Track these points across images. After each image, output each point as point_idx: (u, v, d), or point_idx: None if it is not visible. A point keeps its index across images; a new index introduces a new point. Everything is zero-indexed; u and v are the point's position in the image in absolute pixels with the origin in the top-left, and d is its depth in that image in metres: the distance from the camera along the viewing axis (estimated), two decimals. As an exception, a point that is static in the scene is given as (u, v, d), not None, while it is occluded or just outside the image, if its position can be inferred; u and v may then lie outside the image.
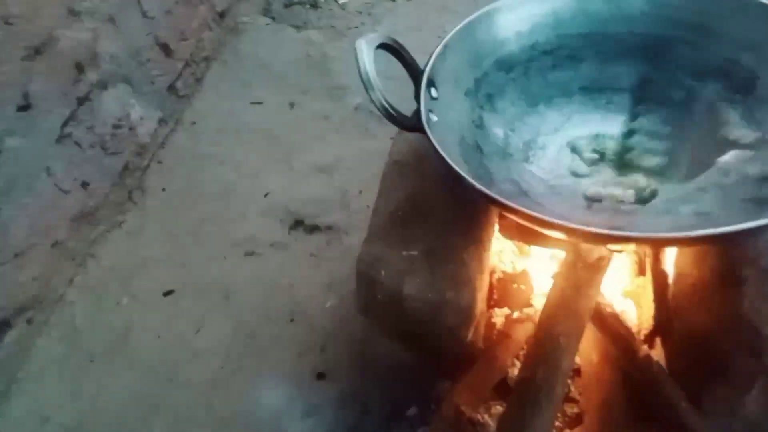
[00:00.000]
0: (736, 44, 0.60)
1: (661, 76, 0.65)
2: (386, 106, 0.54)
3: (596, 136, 0.64)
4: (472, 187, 0.48)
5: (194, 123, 1.13)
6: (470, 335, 0.55)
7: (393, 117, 0.55)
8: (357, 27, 1.39)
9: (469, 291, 0.53)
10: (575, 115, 0.65)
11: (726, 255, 0.51)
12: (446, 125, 0.58)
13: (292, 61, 1.25)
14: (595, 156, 0.62)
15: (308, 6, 1.54)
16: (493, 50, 0.65)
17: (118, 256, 0.89)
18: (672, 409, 0.50)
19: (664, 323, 0.55)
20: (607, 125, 0.64)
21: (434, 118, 0.56)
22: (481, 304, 0.56)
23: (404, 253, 0.55)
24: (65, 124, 0.84)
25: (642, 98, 0.65)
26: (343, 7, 1.52)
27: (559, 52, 0.67)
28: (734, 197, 0.52)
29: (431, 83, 0.58)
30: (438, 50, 0.60)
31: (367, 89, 0.53)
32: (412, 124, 0.55)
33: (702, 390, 0.50)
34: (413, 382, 0.60)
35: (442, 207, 0.58)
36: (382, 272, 0.55)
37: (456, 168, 0.49)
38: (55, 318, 0.81)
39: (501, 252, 0.68)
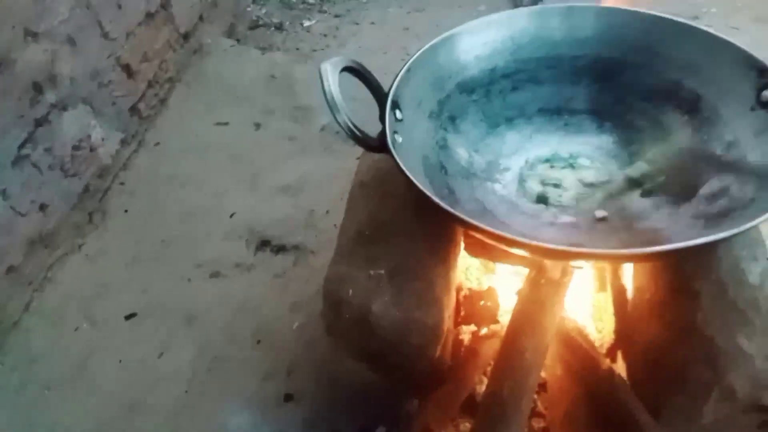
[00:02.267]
0: (681, 67, 0.64)
1: (612, 96, 0.68)
2: (352, 127, 0.55)
3: (555, 156, 0.66)
4: (438, 206, 0.49)
5: (158, 144, 1.11)
6: (438, 353, 0.55)
7: (359, 138, 0.56)
8: (322, 49, 1.41)
9: (436, 309, 0.54)
10: (535, 135, 0.68)
11: (680, 269, 0.53)
12: (411, 146, 0.59)
13: (257, 82, 1.26)
14: (555, 175, 0.64)
15: (273, 28, 1.55)
16: (454, 73, 0.67)
17: (77, 281, 0.86)
18: (632, 421, 0.52)
19: (624, 337, 0.57)
20: (565, 145, 0.66)
21: (399, 139, 0.57)
22: (448, 322, 0.57)
23: (371, 272, 0.56)
24: (22, 145, 0.82)
25: (598, 118, 0.68)
26: (307, 29, 1.53)
27: (517, 75, 0.69)
28: (685, 213, 0.55)
29: (396, 105, 0.59)
30: (402, 73, 0.61)
31: (332, 111, 0.54)
32: (377, 145, 0.56)
33: (661, 401, 0.52)
34: (381, 401, 0.60)
35: (407, 226, 0.59)
36: (350, 292, 0.55)
37: (422, 188, 0.50)
38: (10, 345, 0.78)
39: (467, 269, 0.69)
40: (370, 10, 1.54)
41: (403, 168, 0.52)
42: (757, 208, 0.47)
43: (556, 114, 0.69)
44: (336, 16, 1.57)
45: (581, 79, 0.69)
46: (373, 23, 1.50)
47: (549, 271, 0.57)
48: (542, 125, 0.68)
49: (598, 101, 0.69)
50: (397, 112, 0.59)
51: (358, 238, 0.60)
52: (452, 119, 0.66)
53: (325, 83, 0.55)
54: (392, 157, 0.53)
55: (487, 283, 0.69)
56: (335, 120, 0.54)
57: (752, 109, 0.56)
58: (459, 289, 0.67)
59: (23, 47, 0.83)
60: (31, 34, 0.85)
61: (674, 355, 0.51)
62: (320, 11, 1.59)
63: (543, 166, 0.65)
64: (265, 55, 1.36)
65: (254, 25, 1.56)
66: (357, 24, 1.51)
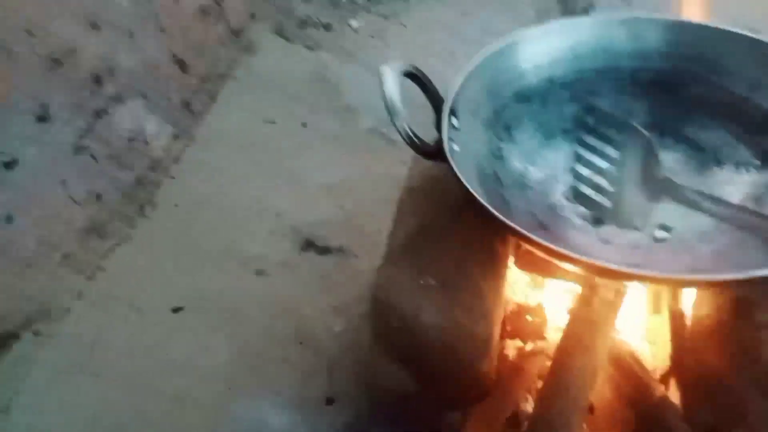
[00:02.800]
0: (751, 84, 0.61)
1: (674, 112, 0.66)
2: (410, 134, 0.55)
3: (614, 171, 0.64)
4: (494, 217, 0.49)
5: (207, 139, 1.13)
6: (486, 367, 0.54)
7: (416, 145, 0.55)
8: (368, 49, 1.41)
9: (486, 323, 0.53)
10: (591, 148, 0.66)
11: (745, 296, 0.51)
12: (466, 155, 0.58)
13: (305, 81, 1.27)
14: (613, 191, 0.62)
15: (321, 28, 1.56)
16: (512, 81, 0.66)
17: (127, 271, 0.88)
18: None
19: (679, 363, 0.55)
20: (624, 160, 0.65)
21: (456, 147, 0.56)
22: (497, 336, 0.56)
23: (421, 281, 0.55)
24: (82, 136, 0.85)
25: (658, 134, 0.66)
26: (355, 30, 1.54)
27: (576, 86, 0.68)
28: (751, 238, 0.52)
29: (453, 113, 0.58)
30: (459, 80, 0.61)
31: (391, 116, 0.54)
32: (434, 152, 0.55)
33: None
34: (422, 412, 0.60)
35: (458, 236, 0.58)
36: (398, 298, 0.55)
37: (480, 199, 0.49)
38: (62, 331, 0.81)
39: (515, 283, 0.68)
40: (416, 12, 1.53)
41: (461, 178, 0.51)
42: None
43: (616, 128, 0.67)
44: (383, 17, 1.56)
45: (642, 93, 0.68)
46: (419, 25, 1.50)
47: (602, 291, 0.56)
48: (600, 138, 0.66)
49: (659, 116, 0.67)
50: (454, 120, 0.58)
51: (407, 244, 0.59)
52: (508, 128, 0.65)
53: (385, 86, 0.54)
54: (449, 166, 0.53)
55: (535, 298, 0.67)
56: (394, 125, 0.54)
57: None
58: (506, 303, 0.66)
59: (86, 38, 0.86)
60: (94, 25, 0.87)
61: (735, 387, 0.49)
62: (367, 11, 1.59)
63: (599, 180, 0.64)
64: (312, 54, 1.36)
65: (303, 24, 1.57)
66: (404, 26, 1.50)
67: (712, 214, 0.55)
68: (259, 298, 0.82)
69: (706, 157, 0.63)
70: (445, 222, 0.60)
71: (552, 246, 0.46)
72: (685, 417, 0.52)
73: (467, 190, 0.50)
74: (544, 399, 0.52)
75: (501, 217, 0.48)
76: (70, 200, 0.83)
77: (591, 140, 0.63)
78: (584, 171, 0.62)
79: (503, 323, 0.65)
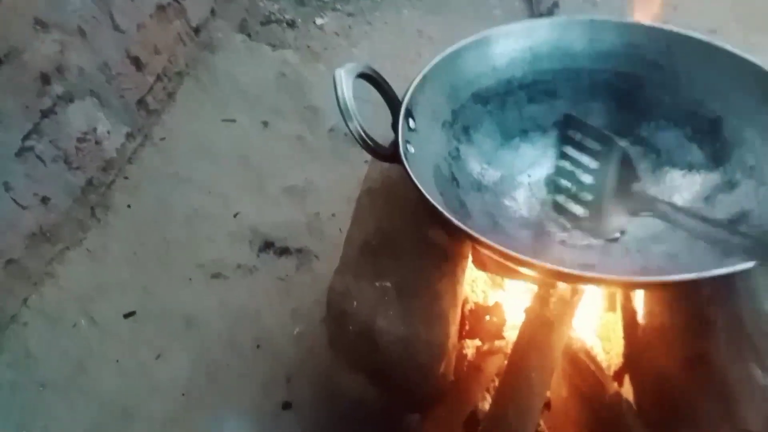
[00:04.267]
0: (703, 87, 0.62)
1: (630, 113, 0.67)
2: (364, 136, 0.54)
3: (571, 172, 0.64)
4: (448, 220, 0.48)
5: (163, 139, 1.10)
6: (442, 370, 0.54)
7: (370, 147, 0.54)
8: (334, 48, 1.39)
9: (442, 326, 0.52)
10: (550, 150, 0.66)
11: (695, 296, 0.51)
12: (422, 156, 0.58)
13: (267, 80, 1.24)
14: (569, 192, 0.63)
15: (285, 25, 1.53)
16: (470, 82, 0.66)
17: (77, 276, 0.85)
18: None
19: (633, 361, 0.55)
20: (581, 161, 0.65)
21: (411, 149, 0.56)
22: (453, 338, 0.56)
23: (377, 284, 0.55)
24: (27, 137, 0.81)
25: (615, 135, 0.67)
26: (320, 27, 1.52)
27: (535, 87, 0.68)
28: (702, 240, 0.53)
29: (409, 114, 0.57)
30: (416, 81, 0.60)
31: (345, 119, 0.53)
32: (389, 154, 0.54)
33: (669, 431, 0.50)
34: (381, 415, 0.59)
35: (415, 238, 0.58)
36: (354, 304, 0.54)
37: (432, 201, 0.49)
38: (7, 341, 0.77)
39: (473, 282, 0.68)
40: (383, 10, 1.52)
41: (415, 181, 0.50)
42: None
43: (573, 129, 0.68)
44: (349, 14, 1.55)
45: (599, 94, 0.68)
46: (386, 24, 1.49)
47: (558, 290, 0.56)
48: (557, 139, 0.67)
49: (616, 117, 0.67)
50: (411, 122, 0.58)
51: (364, 248, 0.58)
52: (466, 130, 0.65)
53: (339, 90, 0.53)
54: (404, 168, 0.52)
55: (494, 297, 0.67)
56: (347, 128, 0.53)
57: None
58: (465, 303, 0.66)
59: (33, 37, 0.82)
60: (41, 24, 0.84)
61: (685, 386, 0.49)
62: (333, 9, 1.57)
63: (556, 181, 0.64)
64: (275, 53, 1.34)
65: (266, 21, 1.55)
66: (370, 24, 1.49)
67: (667, 219, 0.56)
68: (216, 302, 0.80)
69: (660, 159, 0.64)
70: (403, 224, 0.59)
71: (504, 249, 0.46)
72: (638, 413, 0.52)
73: (421, 192, 0.49)
74: (500, 398, 0.52)
75: (455, 221, 0.48)
76: (15, 204, 0.79)
77: (570, 150, 0.64)
78: (563, 181, 0.62)
79: (462, 323, 0.65)
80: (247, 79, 1.25)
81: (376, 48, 1.39)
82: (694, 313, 0.51)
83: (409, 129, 0.57)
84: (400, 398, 0.57)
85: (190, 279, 0.84)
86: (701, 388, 0.48)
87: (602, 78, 0.68)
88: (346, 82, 0.54)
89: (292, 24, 1.52)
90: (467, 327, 0.65)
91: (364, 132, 0.53)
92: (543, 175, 0.64)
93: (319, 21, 1.53)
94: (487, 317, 0.65)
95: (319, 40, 1.44)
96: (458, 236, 0.58)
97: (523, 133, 0.67)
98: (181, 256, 0.87)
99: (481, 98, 0.66)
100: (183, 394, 0.71)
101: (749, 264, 0.43)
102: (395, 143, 0.54)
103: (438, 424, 0.58)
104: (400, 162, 0.52)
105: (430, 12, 1.51)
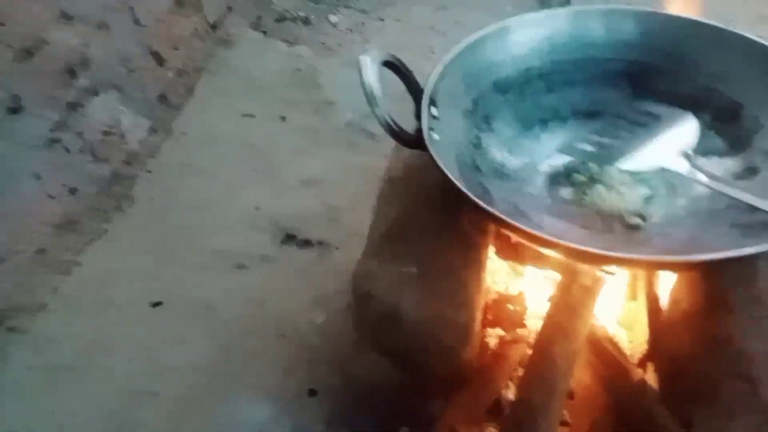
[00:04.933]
0: (720, 74, 0.63)
1: (647, 103, 0.67)
2: (390, 122, 0.55)
3: (590, 160, 0.65)
4: (475, 204, 0.49)
5: (184, 133, 1.12)
6: (467, 355, 0.55)
7: (396, 134, 0.55)
8: (347, 44, 1.40)
9: (467, 310, 0.53)
10: (569, 138, 0.67)
11: (717, 280, 0.52)
12: (445, 144, 0.59)
13: (283, 75, 1.26)
14: (589, 179, 0.63)
15: (299, 22, 1.55)
16: (490, 72, 0.67)
17: (103, 266, 0.86)
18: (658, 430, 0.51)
19: (656, 347, 0.56)
20: (600, 149, 0.65)
21: (435, 136, 0.57)
22: (478, 323, 0.56)
23: (401, 269, 0.55)
24: (54, 128, 0.83)
25: (633, 124, 0.67)
26: (333, 24, 1.53)
27: (553, 77, 0.69)
28: (723, 222, 0.54)
29: (432, 102, 0.58)
30: (438, 70, 0.61)
31: (371, 105, 0.54)
32: (414, 141, 0.55)
33: (692, 414, 0.51)
34: (404, 402, 0.60)
35: (439, 225, 0.58)
36: (379, 288, 0.55)
37: (460, 186, 0.49)
38: (36, 326, 0.79)
39: (495, 272, 0.68)
40: (395, 6, 1.53)
41: (441, 165, 0.51)
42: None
43: (591, 117, 0.68)
44: (361, 11, 1.56)
45: (616, 83, 0.69)
46: (398, 20, 1.50)
47: (581, 277, 0.56)
48: (577, 128, 0.67)
49: (632, 107, 0.68)
50: (433, 109, 0.58)
51: (388, 234, 0.59)
52: (486, 118, 0.66)
53: (364, 76, 0.54)
54: (429, 153, 0.53)
55: (515, 286, 0.68)
56: (374, 114, 0.54)
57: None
58: (487, 292, 0.66)
59: (57, 29, 0.84)
60: (65, 17, 0.86)
61: (707, 368, 0.50)
62: (346, 6, 1.58)
63: (576, 169, 0.64)
64: (290, 49, 1.35)
65: (281, 18, 1.56)
66: (382, 20, 1.50)
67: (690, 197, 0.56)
68: (239, 292, 0.82)
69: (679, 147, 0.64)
70: (426, 211, 0.60)
71: (532, 231, 0.47)
72: (661, 399, 0.53)
73: (448, 177, 0.50)
74: (524, 386, 0.53)
75: (481, 203, 0.48)
76: (45, 194, 0.81)
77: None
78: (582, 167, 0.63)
79: (484, 312, 0.66)
80: (263, 74, 1.26)
81: (389, 43, 1.40)
82: (716, 296, 0.52)
83: (433, 117, 0.58)
84: (423, 383, 0.57)
85: (213, 269, 0.86)
86: (724, 370, 0.49)
87: (619, 67, 0.69)
88: (371, 68, 0.55)
89: (306, 21, 1.53)
90: (489, 316, 0.66)
91: (390, 118, 0.54)
92: (563, 163, 0.64)
93: (332, 18, 1.54)
94: (510, 306, 0.66)
95: (332, 36, 1.45)
96: (482, 222, 0.59)
97: (543, 122, 0.68)
98: (203, 247, 0.89)
99: (501, 87, 0.67)
100: (203, 380, 0.72)
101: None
102: (419, 130, 0.55)
103: (461, 411, 0.59)
104: (425, 148, 0.53)
105: (441, 8, 1.51)
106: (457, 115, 0.64)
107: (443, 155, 0.55)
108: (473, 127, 0.64)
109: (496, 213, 0.47)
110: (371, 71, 0.55)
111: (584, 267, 0.56)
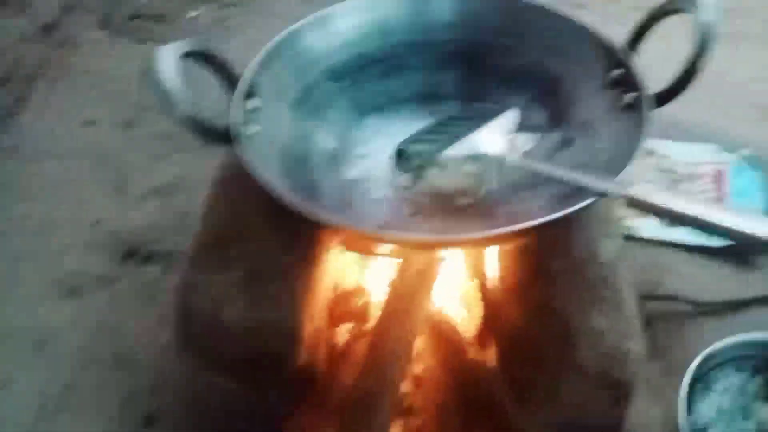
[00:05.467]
0: (544, 50, 0.64)
1: (479, 81, 0.67)
2: (194, 118, 0.50)
3: (424, 144, 0.64)
4: (287, 202, 0.46)
5: (15, 148, 1.00)
6: (301, 359, 0.52)
7: (201, 129, 0.50)
8: (208, 41, 1.33)
9: (294, 311, 0.50)
10: (405, 123, 0.65)
11: (539, 251, 0.52)
12: (269, 138, 0.55)
13: (132, 77, 1.16)
14: (424, 164, 0.62)
15: (154, 19, 1.45)
16: (321, 59, 0.64)
17: None
18: (500, 407, 0.51)
19: (491, 324, 0.56)
20: (434, 133, 0.65)
21: (254, 129, 0.53)
22: (313, 323, 0.53)
23: (223, 277, 0.51)
24: None
25: (466, 104, 0.67)
26: (193, 20, 1.44)
27: (387, 61, 0.67)
28: (545, 195, 0.54)
29: (250, 93, 0.55)
30: (258, 58, 0.57)
31: (164, 103, 0.48)
32: (223, 137, 0.51)
33: (525, 384, 0.51)
34: (253, 415, 0.56)
35: (265, 224, 0.55)
36: (200, 300, 0.51)
37: (269, 181, 0.46)
38: None
39: (343, 266, 0.66)
40: (260, 1, 1.47)
41: (248, 161, 0.48)
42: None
43: (427, 100, 0.67)
44: (224, 6, 1.49)
45: (450, 64, 0.68)
46: (262, 13, 1.44)
47: (414, 262, 0.55)
48: (413, 112, 0.66)
49: (466, 86, 0.68)
50: (253, 101, 0.55)
51: (211, 240, 0.55)
52: (319, 107, 0.63)
53: (159, 73, 0.48)
54: (238, 150, 0.49)
55: (363, 279, 0.66)
56: (168, 112, 0.48)
57: (603, 88, 0.56)
58: (335, 288, 0.64)
59: None
60: None
61: (533, 337, 0.50)
62: (206, 1, 1.50)
63: (410, 153, 0.63)
64: (143, 48, 1.26)
65: (134, 16, 1.45)
66: (245, 15, 1.44)
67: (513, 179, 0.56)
68: (73, 319, 0.73)
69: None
70: (253, 211, 0.56)
71: (341, 222, 0.46)
72: (501, 374, 0.53)
73: (258, 174, 0.47)
74: (363, 371, 0.51)
75: (289, 198, 0.45)
76: None
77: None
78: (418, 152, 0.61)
79: (332, 308, 0.63)
80: (109, 77, 1.16)
81: (253, 38, 1.33)
82: (539, 268, 0.52)
83: (250, 109, 0.55)
84: (267, 393, 0.54)
85: (43, 298, 0.77)
86: (548, 337, 0.50)
87: (451, 48, 0.68)
88: (167, 61, 0.49)
89: (161, 18, 1.43)
90: (337, 312, 0.63)
91: (193, 113, 0.49)
92: (400, 149, 0.62)
93: (192, 13, 1.45)
94: (357, 300, 0.64)
95: (191, 33, 1.37)
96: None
97: (379, 109, 0.66)
98: (32, 275, 0.79)
99: (334, 74, 0.65)
100: (41, 418, 0.64)
101: (572, 209, 0.43)
102: (230, 125, 0.51)
103: (311, 414, 0.56)
104: (233, 143, 0.49)
105: (307, 1, 1.48)
106: (284, 106, 0.60)
107: (265, 149, 0.52)
108: (304, 116, 0.62)
109: (305, 209, 0.45)
110: (167, 64, 0.49)
111: (417, 252, 0.55)
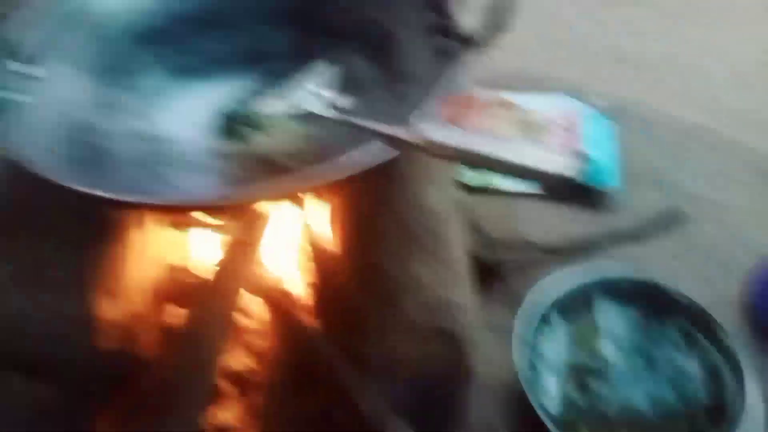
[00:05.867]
0: (373, 4, 0.61)
1: (317, 38, 0.64)
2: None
3: (248, 107, 0.60)
4: (48, 182, 0.40)
5: None
6: (106, 346, 0.47)
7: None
8: None
9: (83, 297, 0.45)
10: (226, 84, 0.61)
11: (365, 207, 0.50)
12: (53, 108, 0.50)
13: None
14: (247, 127, 0.58)
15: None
16: (123, 23, 0.59)
17: None
18: (335, 375, 0.49)
19: (321, 290, 0.54)
20: (260, 95, 0.60)
21: (23, 99, 0.47)
22: (118, 309, 0.49)
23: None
24: None
25: (297, 63, 0.63)
26: None
27: (204, 19, 0.62)
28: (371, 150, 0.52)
29: (12, 56, 0.48)
30: (23, 17, 0.51)
31: None
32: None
33: (357, 351, 0.49)
34: (58, 417, 0.50)
35: (61, 208, 0.49)
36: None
37: (23, 157, 0.41)
38: None
39: (172, 244, 0.61)
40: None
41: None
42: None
43: (255, 61, 0.63)
44: None
45: (281, 22, 0.64)
46: None
47: (233, 231, 0.52)
48: (236, 74, 0.62)
49: (295, 44, 0.64)
50: (19, 65, 0.49)
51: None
52: (123, 73, 0.57)
53: None
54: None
55: (196, 255, 0.61)
56: None
57: (427, 37, 0.55)
58: (161, 268, 0.59)
59: None
60: None
61: (361, 298, 0.49)
62: None
63: (233, 115, 0.59)
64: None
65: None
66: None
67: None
68: None
69: (348, 80, 0.62)
70: (43, 196, 0.50)
71: (129, 200, 0.41)
72: (331, 340, 0.51)
73: (8, 149, 0.41)
74: (172, 354, 0.47)
75: (47, 175, 0.40)
76: None
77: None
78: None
79: (160, 290, 0.58)
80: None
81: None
82: (365, 225, 0.50)
83: (27, 76, 0.48)
84: (71, 389, 0.48)
85: None
86: (374, 297, 0.48)
87: (281, 4, 0.64)
88: None
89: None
90: (165, 294, 0.58)
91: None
92: (218, 111, 0.58)
93: None
94: (187, 279, 0.59)
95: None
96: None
97: (197, 72, 0.61)
98: None
99: (142, 38, 0.59)
100: None
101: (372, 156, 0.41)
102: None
103: (119, 410, 0.51)
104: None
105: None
106: (80, 73, 0.55)
107: (42, 123, 0.47)
108: (107, 84, 0.56)
109: (68, 185, 0.40)
110: None
111: (237, 222, 0.52)
